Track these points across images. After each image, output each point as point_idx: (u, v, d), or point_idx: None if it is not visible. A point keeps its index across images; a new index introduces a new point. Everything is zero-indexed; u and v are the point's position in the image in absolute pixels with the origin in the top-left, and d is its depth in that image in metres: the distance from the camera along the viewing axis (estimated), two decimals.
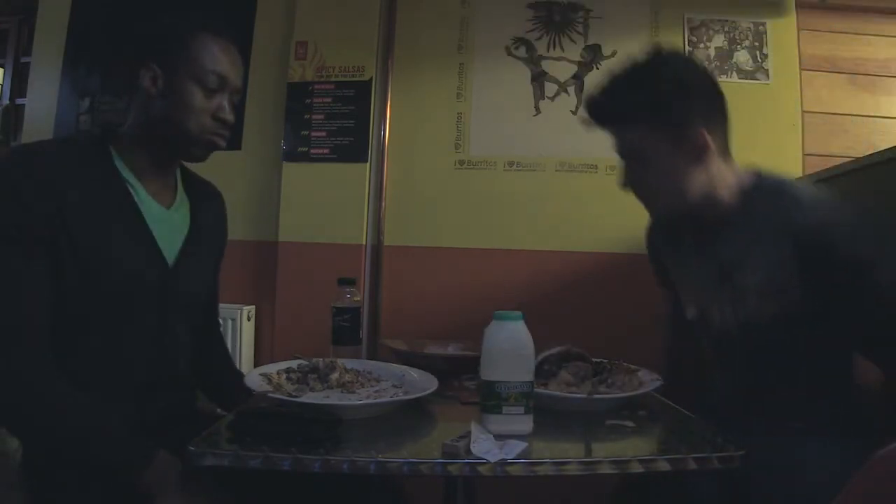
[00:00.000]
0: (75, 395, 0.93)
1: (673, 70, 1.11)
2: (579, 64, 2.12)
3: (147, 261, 1.05)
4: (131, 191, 1.05)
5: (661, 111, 1.09)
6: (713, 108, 1.13)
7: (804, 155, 2.05)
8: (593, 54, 2.13)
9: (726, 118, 1.15)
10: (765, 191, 1.11)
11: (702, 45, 2.11)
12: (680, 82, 1.10)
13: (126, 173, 1.05)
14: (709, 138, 1.10)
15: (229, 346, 1.95)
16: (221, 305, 1.37)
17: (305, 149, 2.07)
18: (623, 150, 1.16)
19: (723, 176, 1.13)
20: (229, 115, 1.09)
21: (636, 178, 1.16)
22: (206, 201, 1.21)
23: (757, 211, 1.10)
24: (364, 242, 2.06)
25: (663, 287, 1.41)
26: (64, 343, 0.96)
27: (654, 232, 1.39)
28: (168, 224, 1.10)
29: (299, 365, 1.16)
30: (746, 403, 1.17)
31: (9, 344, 0.90)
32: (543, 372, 1.16)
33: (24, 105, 2.37)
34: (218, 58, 1.07)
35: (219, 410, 1.26)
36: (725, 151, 1.15)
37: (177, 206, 1.14)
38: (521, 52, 2.14)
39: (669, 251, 1.33)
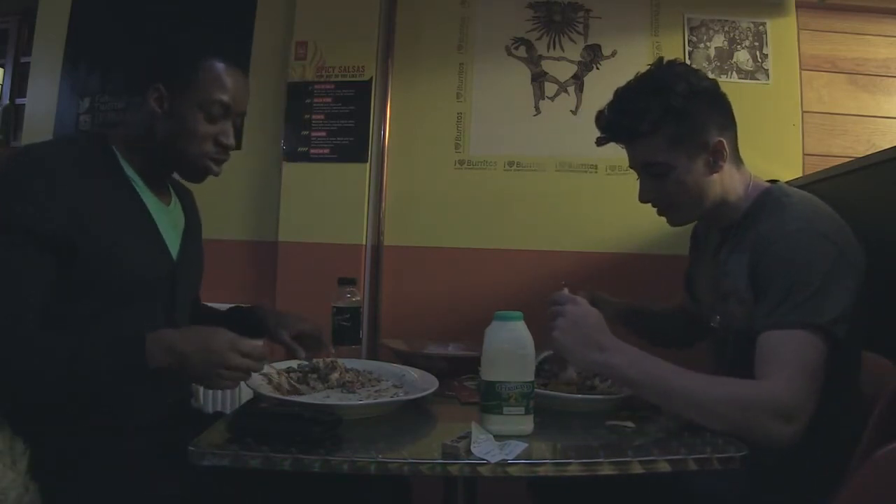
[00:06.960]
0: (56, 336, 0.92)
1: (684, 78, 1.08)
2: (579, 64, 2.12)
3: (157, 257, 1.08)
4: (136, 189, 1.08)
5: (681, 121, 1.06)
6: (725, 113, 1.11)
7: (804, 155, 2.05)
8: (593, 54, 2.12)
9: (735, 123, 1.13)
10: (767, 204, 1.08)
11: (702, 45, 2.11)
12: (693, 90, 1.07)
13: (130, 172, 1.08)
14: (726, 146, 1.08)
15: None
16: (221, 305, 1.38)
17: (305, 149, 2.07)
18: (641, 165, 1.13)
19: (734, 183, 1.12)
20: (230, 141, 1.11)
21: (655, 193, 1.13)
22: (186, 198, 1.26)
23: (752, 222, 1.09)
24: (364, 242, 2.06)
25: (686, 290, 1.38)
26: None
27: (697, 229, 1.35)
28: (169, 220, 1.14)
29: (299, 365, 1.16)
30: None
31: (4, 333, 0.89)
32: (543, 372, 1.16)
33: (24, 105, 2.36)
34: (224, 86, 1.08)
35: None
36: (737, 157, 1.14)
37: (174, 203, 1.19)
38: (521, 52, 2.13)
39: (695, 251, 1.33)
